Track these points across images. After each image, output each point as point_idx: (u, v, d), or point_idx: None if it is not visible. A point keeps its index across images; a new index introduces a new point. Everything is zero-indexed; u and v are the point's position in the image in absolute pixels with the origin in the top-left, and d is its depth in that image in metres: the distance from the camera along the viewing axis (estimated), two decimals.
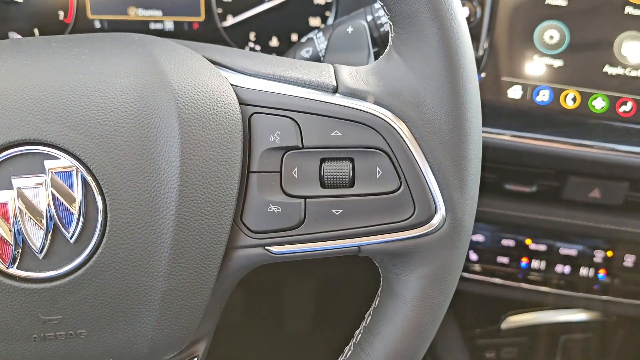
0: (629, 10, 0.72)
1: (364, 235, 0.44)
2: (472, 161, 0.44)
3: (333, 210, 0.43)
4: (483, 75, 0.74)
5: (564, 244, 0.88)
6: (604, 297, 0.89)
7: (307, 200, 0.43)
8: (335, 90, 0.44)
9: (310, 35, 0.68)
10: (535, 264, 0.89)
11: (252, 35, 0.82)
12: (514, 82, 0.74)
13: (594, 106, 0.73)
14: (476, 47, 0.74)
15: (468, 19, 0.74)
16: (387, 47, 0.46)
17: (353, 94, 0.44)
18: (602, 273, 0.89)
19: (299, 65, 0.46)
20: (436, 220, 0.43)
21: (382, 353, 0.46)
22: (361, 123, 0.43)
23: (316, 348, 1.15)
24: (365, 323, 0.49)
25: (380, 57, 0.46)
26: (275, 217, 0.43)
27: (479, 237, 0.90)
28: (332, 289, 1.18)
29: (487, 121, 0.67)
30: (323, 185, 0.43)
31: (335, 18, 0.80)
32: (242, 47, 0.82)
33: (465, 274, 0.91)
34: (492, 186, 0.81)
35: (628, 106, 0.73)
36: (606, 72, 0.73)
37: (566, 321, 1.03)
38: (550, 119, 0.73)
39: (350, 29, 0.63)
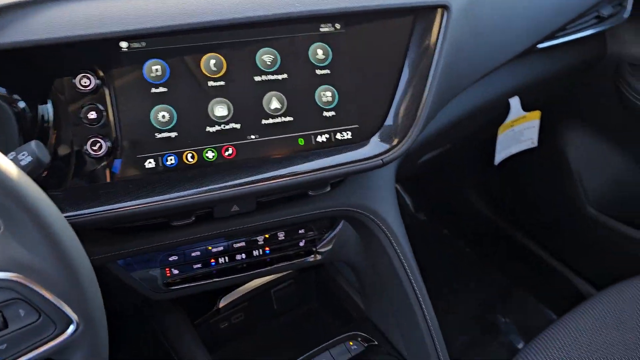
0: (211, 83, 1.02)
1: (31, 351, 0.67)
2: (85, 283, 0.69)
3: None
4: (123, 159, 0.98)
5: (235, 241, 1.22)
6: (275, 265, 1.27)
7: None
8: None
9: None
10: (221, 260, 1.22)
11: None
12: (147, 156, 1.00)
13: (208, 157, 1.03)
14: (111, 142, 0.97)
15: (95, 120, 0.96)
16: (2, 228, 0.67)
17: None
18: (267, 249, 1.26)
19: None
20: (73, 326, 0.69)
21: None
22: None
23: None
24: None
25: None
26: None
27: (175, 257, 1.19)
28: None
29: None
30: None
31: None
32: None
33: (176, 287, 1.21)
34: (163, 225, 1.09)
35: (230, 151, 1.04)
36: (208, 131, 1.03)
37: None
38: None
39: None
